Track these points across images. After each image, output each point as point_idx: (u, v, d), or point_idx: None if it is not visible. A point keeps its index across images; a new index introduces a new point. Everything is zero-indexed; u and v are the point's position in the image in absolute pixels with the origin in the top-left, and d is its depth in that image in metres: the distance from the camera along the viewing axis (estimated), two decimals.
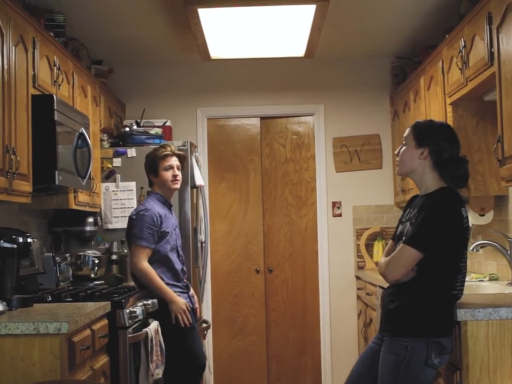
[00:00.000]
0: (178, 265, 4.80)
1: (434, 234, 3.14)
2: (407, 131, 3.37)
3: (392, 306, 3.29)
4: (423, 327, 3.16)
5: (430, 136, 3.27)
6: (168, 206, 4.87)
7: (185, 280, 4.91)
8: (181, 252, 4.90)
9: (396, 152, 3.45)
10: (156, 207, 4.71)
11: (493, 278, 4.79)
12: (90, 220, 5.59)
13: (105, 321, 3.92)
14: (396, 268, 3.20)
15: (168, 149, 4.82)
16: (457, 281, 3.24)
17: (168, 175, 4.76)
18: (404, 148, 3.35)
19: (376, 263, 6.26)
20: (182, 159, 4.94)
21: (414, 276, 3.19)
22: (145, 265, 4.61)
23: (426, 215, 3.16)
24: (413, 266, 3.18)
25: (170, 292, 4.63)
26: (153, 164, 4.79)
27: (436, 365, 3.18)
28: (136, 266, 4.63)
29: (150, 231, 4.63)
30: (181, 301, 4.63)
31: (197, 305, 4.98)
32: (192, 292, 4.96)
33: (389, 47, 6.51)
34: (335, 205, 6.84)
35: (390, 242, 3.46)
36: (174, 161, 4.81)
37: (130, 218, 4.76)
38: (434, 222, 3.15)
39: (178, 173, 4.82)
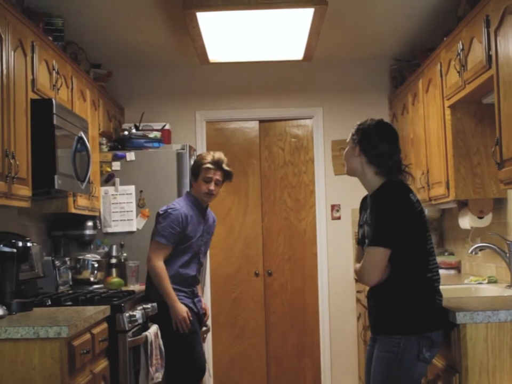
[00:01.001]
0: (192, 272, 4.78)
1: (393, 226, 3.19)
2: None
3: (374, 302, 3.36)
4: (413, 324, 3.19)
5: (360, 134, 3.41)
6: (200, 209, 4.81)
7: (196, 287, 4.89)
8: (202, 259, 4.88)
9: None
10: (184, 208, 4.71)
11: (492, 281, 4.79)
12: (90, 223, 5.59)
13: (105, 325, 3.93)
14: (371, 272, 3.22)
15: (210, 159, 4.74)
16: (430, 263, 3.27)
17: (204, 187, 4.71)
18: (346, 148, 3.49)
19: None
20: (228, 175, 4.83)
21: (391, 270, 3.22)
22: (159, 263, 4.61)
23: (379, 212, 3.23)
24: (387, 263, 3.21)
25: (174, 298, 4.61)
26: (196, 170, 4.77)
27: (427, 359, 3.23)
28: (150, 262, 4.64)
29: (173, 230, 4.63)
30: (181, 308, 4.61)
31: (204, 311, 4.95)
32: (200, 297, 4.93)
33: (387, 50, 6.51)
34: (334, 207, 6.85)
35: (357, 247, 3.50)
36: (217, 175, 4.73)
37: (157, 213, 4.75)
38: (388, 216, 3.20)
39: (215, 188, 4.74)
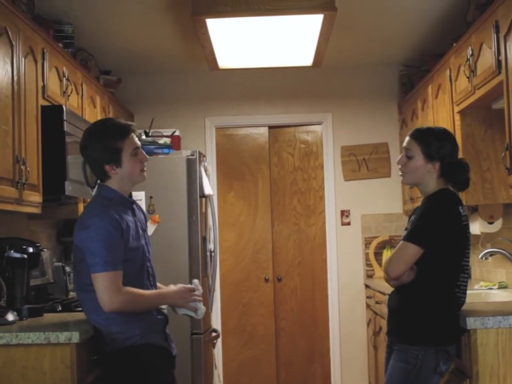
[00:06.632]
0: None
1: (431, 229, 3.18)
2: (408, 141, 3.35)
3: (395, 305, 3.33)
4: (432, 336, 3.19)
5: (440, 148, 3.29)
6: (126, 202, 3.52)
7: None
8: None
9: (397, 161, 3.44)
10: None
11: (502, 286, 4.78)
12: None
13: None
14: (396, 264, 3.21)
15: (124, 125, 3.35)
16: (459, 280, 3.24)
17: (136, 165, 3.39)
18: (410, 160, 3.33)
19: None
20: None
21: (415, 276, 3.21)
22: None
23: (423, 212, 3.24)
24: (413, 265, 3.20)
25: (159, 295, 3.34)
26: (114, 151, 3.26)
27: (443, 372, 3.23)
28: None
29: None
30: (174, 292, 3.35)
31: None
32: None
33: (396, 56, 6.52)
34: (344, 213, 6.85)
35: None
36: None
37: None
38: (431, 218, 3.20)
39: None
